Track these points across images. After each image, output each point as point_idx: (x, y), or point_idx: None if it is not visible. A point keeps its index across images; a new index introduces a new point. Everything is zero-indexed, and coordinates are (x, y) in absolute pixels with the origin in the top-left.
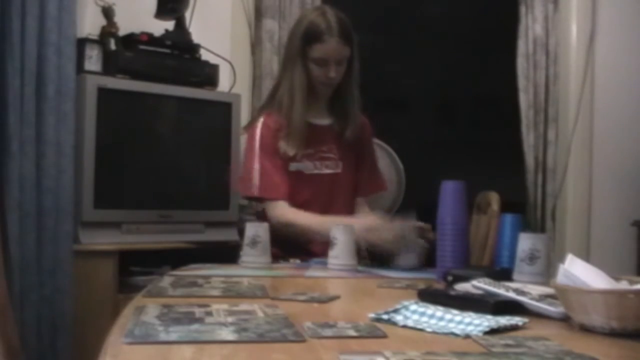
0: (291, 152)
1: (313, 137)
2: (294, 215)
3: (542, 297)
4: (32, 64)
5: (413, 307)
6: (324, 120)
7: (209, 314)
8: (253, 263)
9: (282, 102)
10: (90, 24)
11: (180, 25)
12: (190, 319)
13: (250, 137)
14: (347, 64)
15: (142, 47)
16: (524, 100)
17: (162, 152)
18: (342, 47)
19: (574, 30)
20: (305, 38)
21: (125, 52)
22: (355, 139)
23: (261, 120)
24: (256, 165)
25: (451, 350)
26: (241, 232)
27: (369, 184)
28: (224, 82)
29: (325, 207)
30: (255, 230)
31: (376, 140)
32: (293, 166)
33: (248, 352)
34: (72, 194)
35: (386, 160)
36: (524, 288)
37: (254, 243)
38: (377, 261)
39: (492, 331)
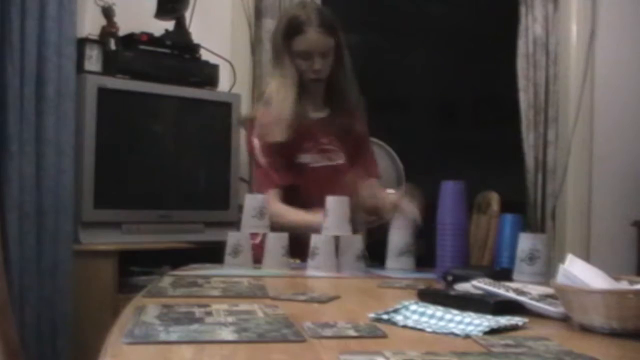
0: (279, 138)
1: (311, 131)
2: (276, 209)
3: (542, 297)
4: (32, 64)
5: (413, 307)
6: (321, 114)
7: (209, 314)
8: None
9: (271, 98)
10: (90, 24)
11: (180, 25)
12: (190, 319)
13: (249, 143)
14: (336, 56)
15: (142, 47)
16: (524, 100)
17: (162, 152)
18: (323, 37)
19: (574, 30)
20: (287, 33)
21: (125, 52)
22: (350, 127)
23: (255, 121)
24: (262, 163)
25: (451, 350)
26: None
27: (369, 169)
28: (224, 82)
29: None
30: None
31: (376, 140)
32: (300, 158)
33: (248, 352)
34: (72, 194)
35: (386, 160)
36: (524, 288)
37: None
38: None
39: (492, 331)
